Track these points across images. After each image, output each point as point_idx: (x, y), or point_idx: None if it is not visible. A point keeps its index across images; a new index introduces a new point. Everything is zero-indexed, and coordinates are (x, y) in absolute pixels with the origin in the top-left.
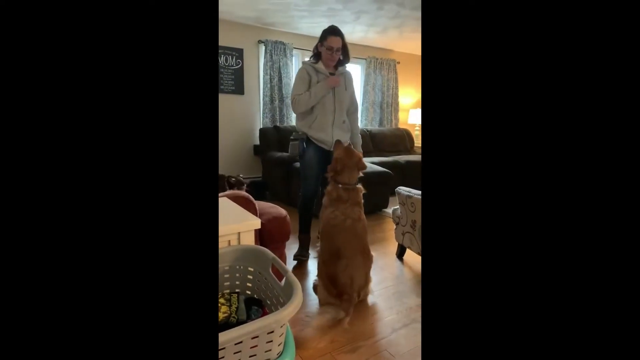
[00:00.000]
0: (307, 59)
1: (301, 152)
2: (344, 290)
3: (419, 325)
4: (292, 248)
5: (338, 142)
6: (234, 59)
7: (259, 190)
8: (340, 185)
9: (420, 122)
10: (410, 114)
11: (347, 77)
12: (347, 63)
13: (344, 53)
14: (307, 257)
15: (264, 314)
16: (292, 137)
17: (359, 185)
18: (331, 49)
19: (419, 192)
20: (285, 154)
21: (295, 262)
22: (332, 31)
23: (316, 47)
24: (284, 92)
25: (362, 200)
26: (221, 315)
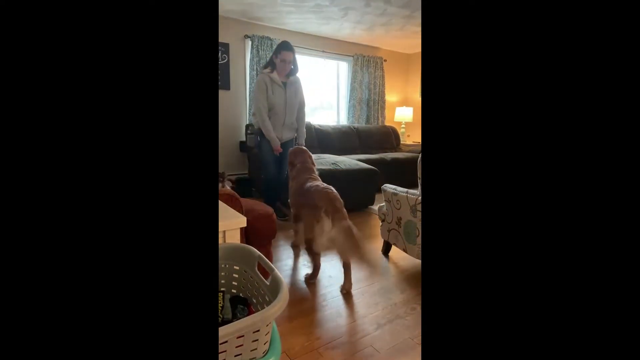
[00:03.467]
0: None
1: (257, 144)
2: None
3: (403, 321)
4: (278, 245)
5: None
6: (219, 53)
7: (245, 187)
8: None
9: (405, 120)
10: (396, 112)
11: (298, 85)
12: (296, 73)
13: (294, 65)
14: (289, 215)
15: (250, 312)
16: (248, 132)
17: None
18: (284, 61)
19: (405, 189)
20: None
21: (284, 252)
22: (286, 47)
23: (272, 57)
24: None
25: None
26: None
